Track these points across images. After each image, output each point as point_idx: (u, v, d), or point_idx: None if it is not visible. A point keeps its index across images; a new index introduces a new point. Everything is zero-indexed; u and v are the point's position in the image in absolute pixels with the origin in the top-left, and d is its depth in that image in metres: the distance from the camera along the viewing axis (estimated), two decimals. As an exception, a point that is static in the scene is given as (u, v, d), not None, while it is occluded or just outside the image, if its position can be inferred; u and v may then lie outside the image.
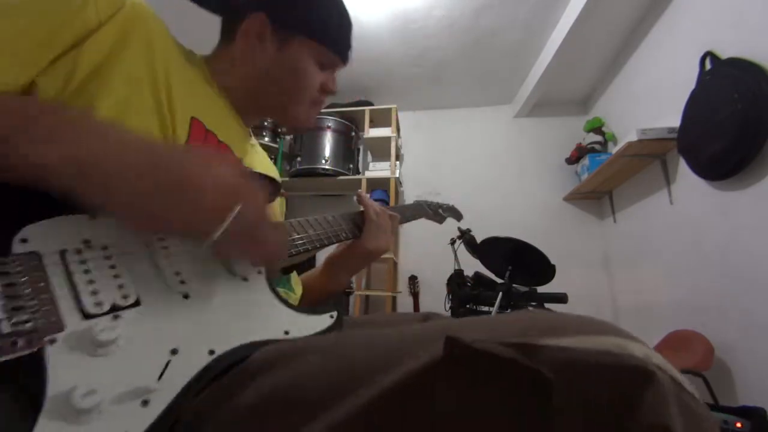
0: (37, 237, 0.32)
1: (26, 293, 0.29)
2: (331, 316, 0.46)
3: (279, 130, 2.54)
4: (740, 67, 1.33)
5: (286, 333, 0.40)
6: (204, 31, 0.70)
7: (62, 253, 0.32)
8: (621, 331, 0.29)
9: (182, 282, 0.37)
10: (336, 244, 0.66)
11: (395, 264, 2.42)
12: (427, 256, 2.56)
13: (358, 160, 2.64)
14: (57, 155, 0.31)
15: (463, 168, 2.83)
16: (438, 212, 0.97)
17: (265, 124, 2.48)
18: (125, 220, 0.35)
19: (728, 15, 1.44)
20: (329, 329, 0.44)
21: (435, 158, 2.89)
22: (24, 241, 0.31)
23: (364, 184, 2.45)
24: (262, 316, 0.41)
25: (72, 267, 0.32)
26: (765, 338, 1.28)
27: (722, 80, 1.40)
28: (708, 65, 1.50)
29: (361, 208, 0.69)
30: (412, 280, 2.50)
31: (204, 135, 0.51)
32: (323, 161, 2.38)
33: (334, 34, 0.60)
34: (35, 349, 0.27)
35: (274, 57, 0.56)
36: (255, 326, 0.39)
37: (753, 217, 1.33)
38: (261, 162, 0.69)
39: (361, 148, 2.74)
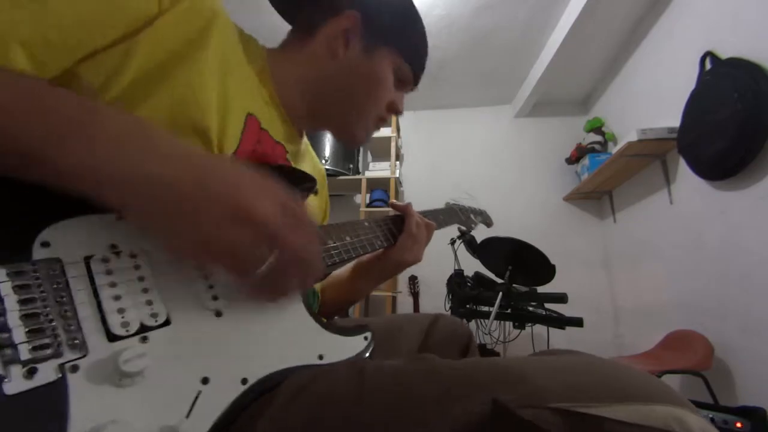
0: (60, 240, 0.29)
1: (46, 311, 0.26)
2: (365, 338, 0.44)
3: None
4: (740, 67, 1.33)
5: (320, 357, 0.39)
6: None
7: (87, 262, 0.30)
8: (678, 397, 0.27)
9: (215, 298, 0.35)
10: None
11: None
12: (427, 256, 2.55)
13: (358, 160, 2.64)
14: (91, 164, 0.28)
15: (463, 168, 2.83)
16: (470, 218, 0.93)
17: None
18: (163, 246, 0.32)
19: (728, 15, 1.44)
20: (363, 352, 0.43)
21: (435, 158, 2.89)
22: (45, 245, 0.28)
23: (364, 184, 2.45)
24: (296, 338, 0.39)
25: (98, 280, 0.29)
26: (765, 338, 1.28)
27: (722, 80, 1.40)
28: (708, 65, 1.50)
29: (391, 212, 0.66)
30: (412, 280, 2.50)
31: (258, 133, 0.48)
32: (323, 161, 2.38)
33: (418, 54, 0.59)
34: (56, 378, 0.25)
35: (356, 60, 0.53)
36: (289, 350, 0.37)
37: (753, 217, 1.33)
38: (307, 166, 0.65)
39: (361, 148, 2.75)
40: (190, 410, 0.28)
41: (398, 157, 2.66)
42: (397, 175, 2.49)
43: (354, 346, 0.43)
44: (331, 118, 0.58)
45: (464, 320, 1.72)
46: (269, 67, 0.52)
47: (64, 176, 0.27)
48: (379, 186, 2.50)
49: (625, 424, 0.25)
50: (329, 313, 0.67)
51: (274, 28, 0.58)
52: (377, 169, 2.49)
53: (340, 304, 0.69)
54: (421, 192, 2.83)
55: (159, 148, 0.30)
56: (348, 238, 0.53)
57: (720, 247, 1.49)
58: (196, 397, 0.29)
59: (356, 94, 0.55)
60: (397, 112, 0.61)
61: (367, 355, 0.43)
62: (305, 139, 0.66)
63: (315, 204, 0.67)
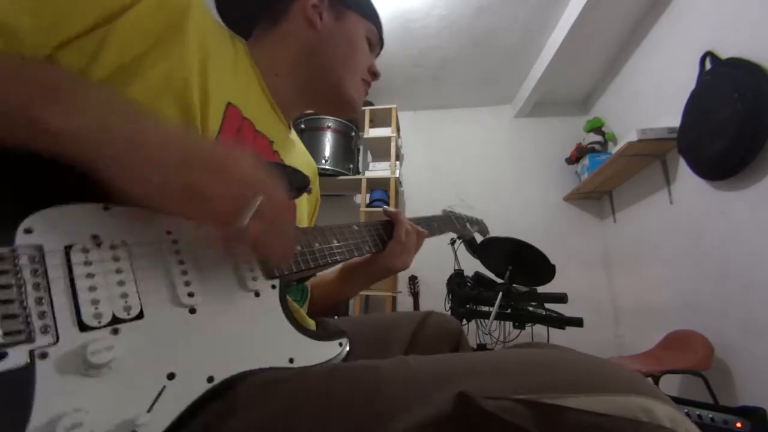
0: (43, 228, 0.29)
1: (22, 297, 0.27)
2: (340, 344, 0.43)
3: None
4: (740, 67, 1.33)
5: (291, 361, 0.38)
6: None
7: (67, 252, 0.30)
8: (649, 387, 0.27)
9: (191, 294, 0.35)
10: None
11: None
12: (427, 256, 2.55)
13: (358, 160, 2.64)
14: (79, 124, 0.28)
15: (463, 168, 2.83)
16: (466, 227, 0.92)
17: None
18: (146, 199, 0.32)
19: (728, 15, 1.44)
20: (335, 358, 0.42)
21: (435, 158, 2.89)
22: (28, 231, 0.28)
23: (364, 184, 2.45)
24: (268, 339, 0.38)
25: (75, 270, 0.30)
26: (765, 338, 1.28)
27: (722, 80, 1.40)
28: (708, 65, 1.50)
29: (385, 218, 0.66)
30: (412, 280, 2.50)
31: (240, 122, 0.48)
32: (323, 161, 2.38)
33: (377, 15, 0.63)
34: (25, 364, 0.25)
35: (333, 27, 0.57)
36: (260, 351, 0.37)
37: (753, 217, 1.33)
38: (297, 156, 0.66)
39: (361, 148, 2.75)
40: (152, 404, 0.29)
41: (398, 157, 2.66)
42: (397, 175, 2.48)
43: (327, 351, 0.42)
44: (325, 89, 0.60)
45: (464, 320, 1.72)
46: (252, 56, 0.54)
47: (48, 139, 0.28)
48: (379, 186, 2.50)
49: (591, 414, 0.25)
50: (318, 312, 0.67)
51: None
52: (377, 169, 2.49)
53: (327, 304, 0.69)
54: (421, 192, 2.83)
55: (142, 115, 0.32)
56: (335, 242, 0.53)
57: (720, 247, 1.49)
58: (160, 392, 0.29)
59: (342, 57, 0.58)
60: (376, 75, 0.64)
61: (340, 360, 0.43)
62: (293, 132, 0.66)
63: (305, 201, 0.67)
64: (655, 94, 1.92)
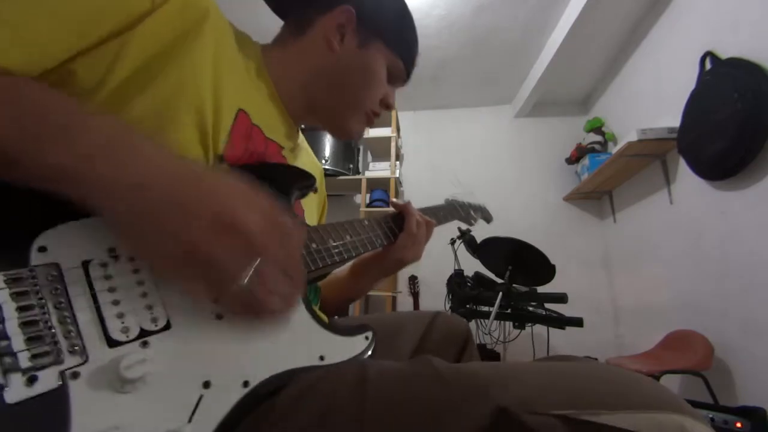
0: (58, 245, 0.28)
1: (45, 318, 0.26)
2: (366, 338, 0.44)
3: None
4: (740, 67, 1.33)
5: (322, 358, 0.38)
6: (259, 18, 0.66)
7: (85, 267, 0.29)
8: (684, 405, 0.27)
9: (215, 300, 0.34)
10: None
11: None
12: (427, 256, 2.55)
13: (358, 160, 2.64)
14: (74, 170, 0.27)
15: (463, 168, 2.82)
16: (470, 213, 0.92)
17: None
18: (134, 247, 0.30)
19: (728, 15, 1.44)
20: (363, 352, 0.42)
21: (435, 158, 2.89)
22: (42, 249, 0.28)
23: (364, 184, 2.45)
24: (297, 339, 0.38)
25: (96, 285, 0.29)
26: (765, 338, 1.28)
27: (722, 80, 1.40)
28: (708, 65, 1.50)
29: (391, 210, 0.66)
30: (412, 280, 2.50)
31: (249, 129, 0.48)
32: (323, 161, 2.38)
33: (410, 50, 0.61)
34: (57, 386, 0.25)
35: (352, 54, 0.54)
36: (290, 351, 0.37)
37: (753, 217, 1.33)
38: (306, 161, 0.65)
39: (361, 148, 2.75)
40: (192, 414, 0.28)
41: (398, 157, 2.66)
42: (397, 175, 2.49)
43: (355, 346, 0.42)
44: (327, 110, 0.59)
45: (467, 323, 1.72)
46: (265, 62, 0.53)
47: (41, 177, 0.27)
48: (379, 186, 2.50)
49: None
50: (329, 311, 0.67)
51: (271, 30, 0.59)
52: (377, 169, 2.49)
53: (340, 302, 0.69)
54: (421, 192, 2.83)
55: (142, 153, 0.30)
56: (348, 237, 0.53)
57: (720, 247, 1.49)
58: (198, 401, 0.29)
59: (352, 87, 0.56)
60: (389, 107, 0.62)
61: (368, 354, 0.43)
62: (301, 136, 0.66)
63: (313, 202, 0.66)
64: (655, 94, 1.92)
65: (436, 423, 0.28)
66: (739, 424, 1.02)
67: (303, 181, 0.49)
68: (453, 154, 2.88)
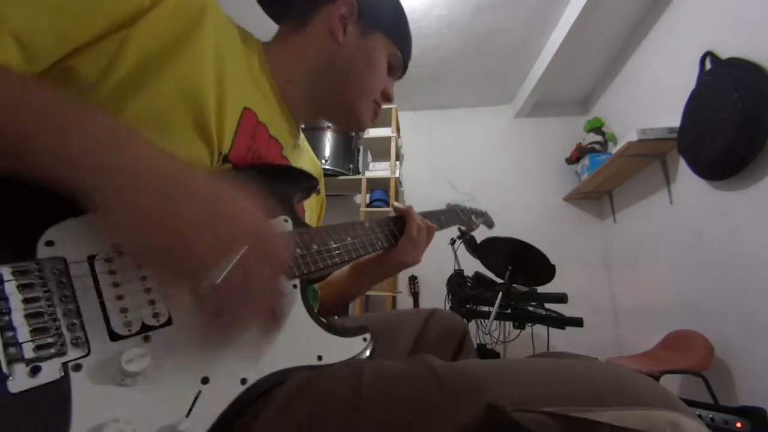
0: (65, 240, 0.29)
1: (50, 310, 0.27)
2: (364, 339, 0.44)
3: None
4: (740, 67, 1.33)
5: (320, 358, 0.39)
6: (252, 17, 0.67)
7: (91, 262, 0.30)
8: (676, 402, 0.27)
9: None
10: None
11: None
12: (427, 256, 2.55)
13: (358, 160, 2.64)
14: (71, 166, 0.28)
15: (463, 168, 2.83)
16: (471, 219, 0.93)
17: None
18: (125, 243, 0.31)
19: (728, 15, 1.44)
20: (361, 353, 0.43)
21: (435, 158, 2.89)
22: (50, 244, 0.28)
23: (364, 184, 2.45)
24: (295, 338, 0.39)
25: (101, 280, 0.30)
26: (765, 338, 1.28)
27: (722, 80, 1.40)
28: (708, 65, 1.50)
29: (392, 213, 0.66)
30: (412, 280, 2.50)
31: (255, 127, 0.48)
32: (323, 161, 2.38)
33: (407, 41, 0.62)
34: (59, 377, 0.25)
35: (355, 43, 0.55)
36: (289, 350, 0.37)
37: (753, 217, 1.33)
38: (306, 160, 0.66)
39: (361, 148, 2.75)
40: (190, 409, 0.29)
41: (398, 157, 2.66)
42: (397, 175, 2.49)
43: (353, 347, 0.43)
44: (335, 102, 0.59)
45: (464, 320, 1.72)
46: (266, 57, 0.53)
47: (38, 172, 0.27)
48: (379, 186, 2.50)
49: (620, 429, 0.25)
50: (328, 311, 0.67)
51: (271, 29, 0.59)
52: (377, 169, 2.49)
53: (339, 302, 0.70)
54: (421, 192, 2.83)
55: (134, 146, 0.30)
56: (349, 239, 0.53)
57: (720, 247, 1.49)
58: (196, 397, 0.29)
59: (358, 75, 0.57)
60: (389, 98, 0.63)
61: (366, 355, 0.43)
62: (302, 135, 0.66)
63: (313, 202, 0.67)
64: (655, 94, 1.92)
65: (430, 420, 0.28)
66: (739, 424, 1.02)
67: (305, 183, 0.49)
68: (453, 154, 2.88)
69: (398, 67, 0.62)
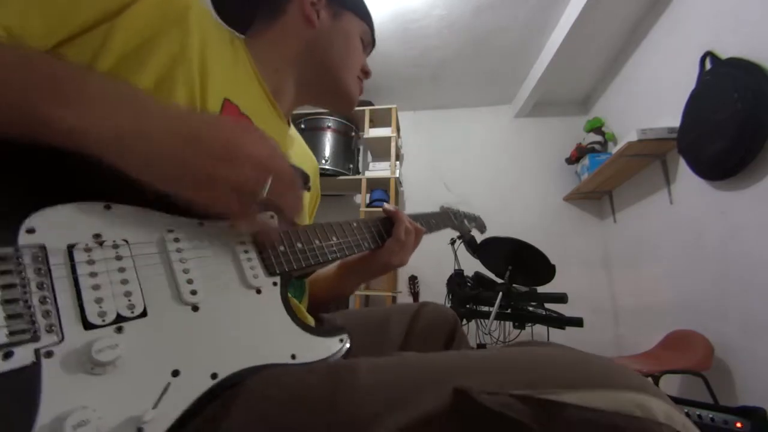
0: (45, 227, 0.30)
1: (26, 297, 0.27)
2: (341, 340, 0.43)
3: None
4: (740, 67, 1.33)
5: (293, 357, 0.39)
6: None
7: (70, 251, 0.30)
8: (644, 384, 0.27)
9: (193, 292, 0.35)
10: None
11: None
12: (427, 256, 2.55)
13: (358, 160, 2.64)
14: (89, 120, 0.30)
15: (463, 168, 2.83)
16: (463, 222, 0.93)
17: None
18: (163, 188, 0.33)
19: (728, 15, 1.44)
20: (336, 354, 0.42)
21: (435, 158, 2.89)
22: (31, 231, 0.29)
23: (364, 184, 2.45)
24: (270, 335, 0.39)
25: (79, 269, 0.30)
26: (765, 338, 1.28)
27: (722, 80, 1.40)
28: (708, 65, 1.50)
29: (384, 215, 0.66)
30: (412, 280, 2.50)
31: (237, 118, 0.49)
32: (323, 161, 2.38)
33: (370, 18, 0.66)
34: (30, 362, 0.25)
35: (330, 24, 0.59)
36: (262, 348, 0.37)
37: (753, 217, 1.33)
38: (297, 152, 0.66)
39: (361, 148, 2.75)
40: (158, 401, 0.29)
41: (398, 157, 2.66)
42: (397, 175, 2.49)
43: (328, 347, 0.42)
44: (322, 83, 0.62)
45: (464, 320, 1.72)
46: (250, 51, 0.55)
47: (56, 132, 0.29)
48: (379, 186, 2.50)
49: (588, 410, 0.25)
50: (316, 308, 0.67)
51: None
52: (377, 169, 2.49)
53: (327, 300, 0.70)
54: (421, 192, 2.83)
55: (151, 106, 0.34)
56: (335, 239, 0.53)
57: (720, 247, 1.49)
58: (165, 389, 0.29)
59: (339, 53, 0.61)
60: (368, 73, 0.67)
61: (341, 356, 0.43)
62: (293, 129, 0.67)
63: (306, 198, 0.66)
64: (655, 94, 1.92)
65: (401, 405, 0.28)
66: (739, 424, 1.02)
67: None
68: (453, 154, 2.88)
69: (369, 42, 0.66)
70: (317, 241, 0.50)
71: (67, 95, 0.30)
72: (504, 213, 2.61)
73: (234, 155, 0.34)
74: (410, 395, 0.29)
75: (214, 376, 0.32)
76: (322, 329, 0.44)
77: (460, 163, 2.84)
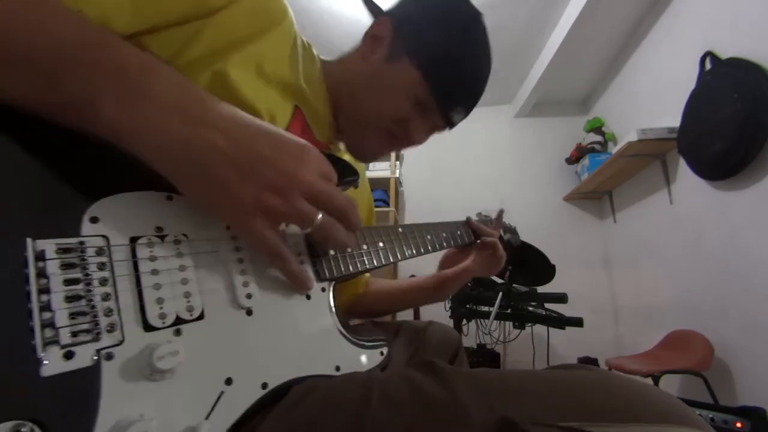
0: (109, 217, 0.28)
1: (89, 294, 0.26)
2: (381, 353, 0.43)
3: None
4: (740, 67, 1.33)
5: (337, 369, 0.38)
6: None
7: (132, 246, 0.29)
8: (692, 418, 0.27)
9: (248, 296, 0.34)
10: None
11: (395, 264, 2.41)
12: (427, 256, 2.55)
13: (358, 160, 2.64)
14: (144, 117, 0.27)
15: (463, 168, 2.82)
16: (500, 234, 0.95)
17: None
18: (200, 202, 0.31)
19: (728, 15, 1.44)
20: (377, 367, 0.42)
21: (435, 158, 2.89)
22: (94, 220, 0.28)
23: (364, 184, 2.45)
24: (318, 346, 0.38)
25: (141, 267, 0.29)
26: (765, 338, 1.28)
27: (722, 80, 1.40)
28: (708, 65, 1.50)
29: (428, 220, 0.69)
30: (412, 280, 2.49)
31: (302, 128, 0.49)
32: (323, 161, 2.37)
33: (447, 82, 0.53)
34: (91, 364, 0.25)
35: (376, 66, 0.52)
36: (310, 358, 0.37)
37: (753, 217, 1.33)
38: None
39: (361, 148, 2.74)
40: (210, 412, 0.28)
41: (398, 157, 2.66)
42: (397, 175, 2.48)
43: (370, 360, 0.42)
44: (345, 123, 0.57)
45: (464, 320, 1.72)
46: (323, 71, 0.55)
47: (106, 128, 0.27)
48: (379, 186, 2.49)
49: None
50: (362, 314, 0.70)
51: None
52: (377, 169, 2.49)
53: (388, 312, 0.74)
54: (421, 192, 2.83)
55: (209, 113, 0.30)
56: (381, 243, 0.53)
57: (720, 247, 1.49)
58: (218, 398, 0.29)
59: (367, 99, 0.53)
60: (408, 133, 0.55)
61: (379, 368, 0.43)
62: (341, 145, 0.64)
63: (362, 199, 0.67)
64: (655, 94, 1.92)
65: (438, 424, 0.28)
66: (739, 424, 1.02)
67: (347, 175, 0.47)
68: (453, 154, 2.87)
69: (429, 108, 0.54)
70: (365, 246, 0.49)
71: (128, 92, 0.28)
72: (504, 213, 2.61)
73: (288, 187, 0.30)
74: (451, 420, 0.28)
75: (264, 386, 0.32)
76: (365, 341, 0.43)
77: (460, 163, 2.84)
